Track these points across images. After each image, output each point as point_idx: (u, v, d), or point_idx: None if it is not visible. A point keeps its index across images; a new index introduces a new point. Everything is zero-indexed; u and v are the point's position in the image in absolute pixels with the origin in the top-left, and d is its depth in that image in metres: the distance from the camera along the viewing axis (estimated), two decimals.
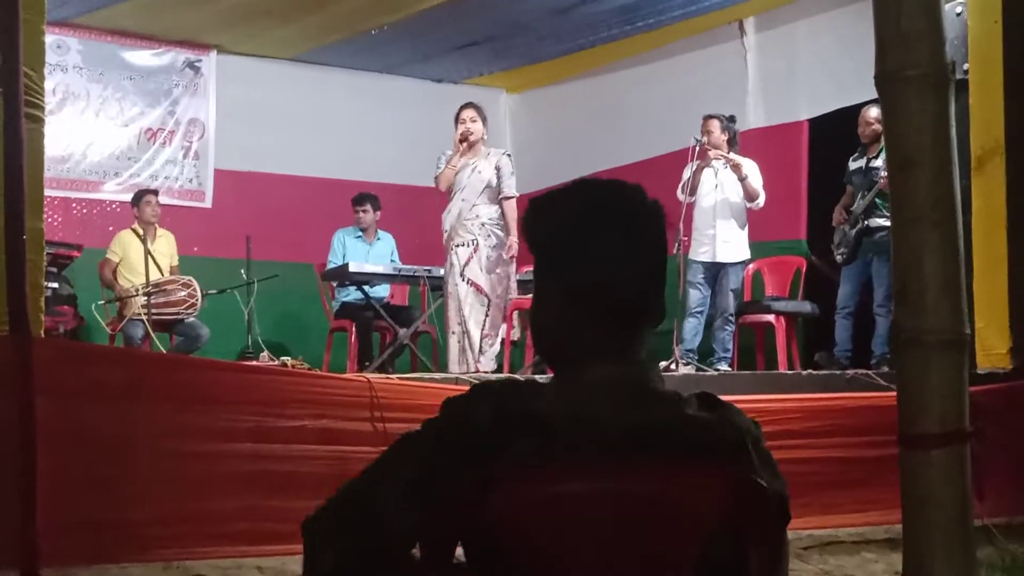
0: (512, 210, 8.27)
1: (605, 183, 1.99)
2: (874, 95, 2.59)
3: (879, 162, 8.57)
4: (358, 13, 10.04)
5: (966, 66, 7.07)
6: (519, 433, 1.80)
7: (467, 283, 8.12)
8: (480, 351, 8.05)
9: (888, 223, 8.18)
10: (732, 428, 1.92)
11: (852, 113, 8.83)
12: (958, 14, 7.35)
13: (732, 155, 8.95)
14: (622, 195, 1.96)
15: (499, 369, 8.36)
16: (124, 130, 11.08)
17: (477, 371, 7.67)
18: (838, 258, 8.89)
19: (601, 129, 12.02)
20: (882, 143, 8.45)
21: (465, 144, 8.25)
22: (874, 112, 8.54)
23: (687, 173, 8.97)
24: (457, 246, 8.17)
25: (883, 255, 8.40)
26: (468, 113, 8.37)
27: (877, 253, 8.52)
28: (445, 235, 8.30)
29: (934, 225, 2.35)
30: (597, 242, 1.90)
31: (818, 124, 10.14)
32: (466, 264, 8.13)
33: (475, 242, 8.15)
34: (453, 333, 8.15)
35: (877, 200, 8.52)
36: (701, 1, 9.82)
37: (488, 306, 8.17)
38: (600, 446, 1.80)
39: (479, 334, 8.08)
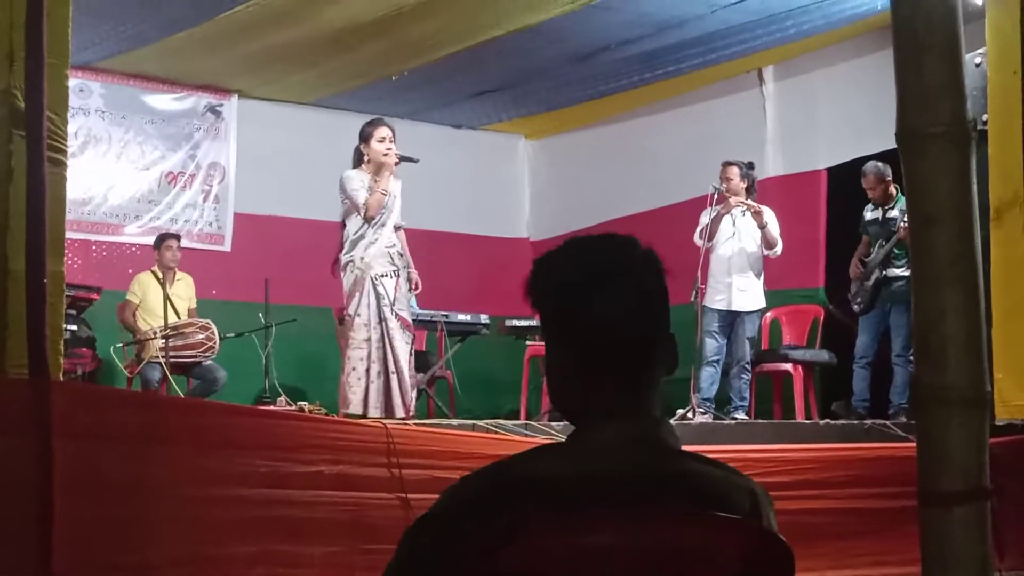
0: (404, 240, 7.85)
1: (596, 240, 1.99)
2: (892, 145, 2.59)
3: (895, 212, 8.60)
4: (378, 59, 10.09)
5: (985, 117, 7.07)
6: (519, 498, 1.80)
7: (395, 318, 7.58)
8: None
9: (906, 273, 8.22)
10: (744, 489, 1.93)
11: (883, 162, 8.82)
12: (977, 65, 7.36)
13: (752, 202, 8.96)
14: (613, 250, 1.97)
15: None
16: (145, 173, 11.15)
17: (410, 415, 7.39)
18: (855, 308, 8.89)
19: (620, 176, 12.06)
20: (896, 195, 8.51)
21: (388, 169, 7.65)
22: (874, 174, 8.63)
23: (705, 219, 8.98)
24: (381, 276, 7.55)
25: (901, 305, 8.41)
26: (387, 132, 7.71)
27: (895, 303, 8.52)
28: (357, 266, 7.56)
29: (955, 282, 2.34)
30: (591, 302, 1.90)
31: (837, 173, 10.15)
32: (395, 298, 7.61)
33: (397, 273, 7.65)
34: (376, 374, 7.46)
35: (895, 250, 8.53)
36: (721, 50, 9.85)
37: (412, 343, 7.78)
38: (608, 504, 1.80)
39: (409, 373, 7.60)
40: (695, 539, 1.80)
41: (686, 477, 1.88)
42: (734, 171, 9.07)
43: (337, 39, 9.44)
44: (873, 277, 8.70)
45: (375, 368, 7.45)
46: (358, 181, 7.63)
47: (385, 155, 7.62)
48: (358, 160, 7.76)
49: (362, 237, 7.60)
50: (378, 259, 7.60)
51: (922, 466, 2.49)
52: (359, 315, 7.49)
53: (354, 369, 7.44)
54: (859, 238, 9.08)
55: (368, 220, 7.58)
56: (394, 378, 7.47)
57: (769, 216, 8.97)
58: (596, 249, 1.98)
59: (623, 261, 1.95)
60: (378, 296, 7.52)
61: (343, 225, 7.74)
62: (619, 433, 1.89)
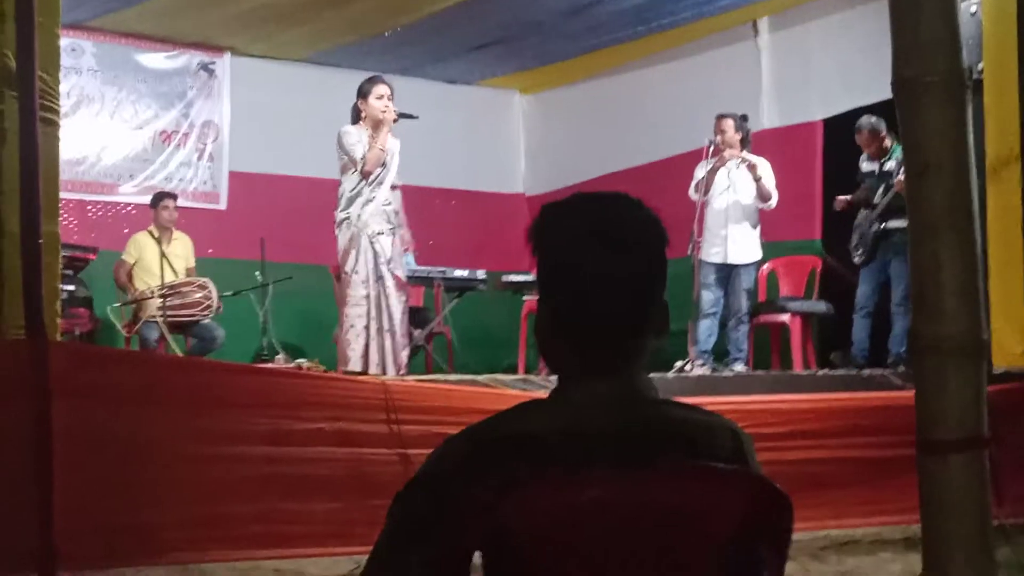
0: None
1: (602, 200, 1.96)
2: (889, 95, 2.58)
3: (892, 164, 8.59)
4: (372, 15, 10.04)
5: (980, 66, 7.04)
6: (506, 455, 1.81)
7: (391, 276, 7.55)
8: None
9: (905, 224, 8.21)
10: (725, 429, 1.93)
11: (867, 113, 8.82)
12: (972, 14, 7.32)
13: (747, 155, 8.94)
14: (617, 213, 1.93)
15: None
16: (139, 132, 11.11)
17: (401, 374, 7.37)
18: (856, 259, 8.90)
19: (615, 130, 12.01)
20: (891, 147, 8.50)
21: (387, 126, 7.56)
22: (867, 128, 8.64)
23: (700, 172, 8.95)
24: (378, 234, 7.48)
25: (900, 255, 8.42)
26: (385, 89, 7.63)
27: (896, 254, 8.52)
28: (354, 223, 7.49)
29: (951, 231, 2.34)
30: (586, 266, 1.88)
31: (833, 124, 10.12)
32: (391, 256, 7.57)
33: (393, 231, 7.61)
34: (376, 331, 7.42)
35: (893, 203, 8.54)
36: (715, 1, 9.80)
37: (406, 301, 7.73)
38: (593, 459, 1.80)
39: (401, 332, 7.58)
40: (692, 491, 1.80)
41: (667, 425, 1.88)
42: (728, 123, 9.04)
43: None
44: (873, 229, 8.70)
45: (374, 325, 7.42)
46: (355, 136, 7.57)
47: (383, 112, 7.55)
48: (356, 117, 7.69)
49: (359, 194, 7.53)
50: (375, 217, 7.53)
51: (920, 415, 2.51)
52: (356, 272, 7.42)
53: (352, 326, 7.40)
54: (855, 189, 9.07)
55: (365, 176, 7.52)
56: (388, 336, 7.44)
57: (764, 168, 8.95)
58: (598, 210, 1.94)
59: (623, 225, 1.91)
60: (375, 254, 7.47)
61: (340, 182, 7.69)
62: (599, 389, 1.88)
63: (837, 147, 9.83)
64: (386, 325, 7.45)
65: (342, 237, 7.53)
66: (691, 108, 10.61)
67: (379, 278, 7.46)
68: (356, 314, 7.41)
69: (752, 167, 8.83)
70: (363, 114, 7.63)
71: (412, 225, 8.97)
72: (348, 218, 7.50)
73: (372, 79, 7.74)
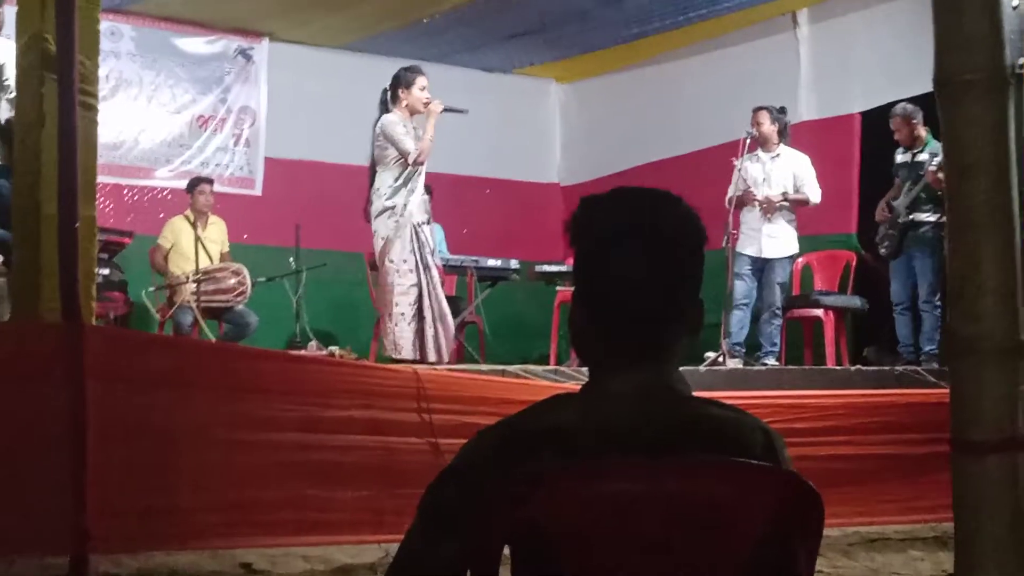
0: None
1: (641, 195, 1.96)
2: (929, 88, 2.55)
3: (924, 156, 8.53)
4: (409, 2, 10.06)
5: (1022, 60, 7.00)
6: (538, 448, 1.82)
7: (435, 266, 7.76)
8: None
9: (932, 218, 8.14)
10: (756, 428, 1.93)
11: (914, 104, 8.75)
12: (1015, 7, 7.27)
13: (772, 197, 8.89)
14: (656, 210, 1.93)
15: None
16: (176, 117, 11.16)
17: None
18: (882, 251, 8.85)
19: (652, 120, 11.98)
20: (925, 137, 8.43)
21: (433, 116, 7.70)
22: (902, 117, 8.59)
23: (732, 189, 8.93)
24: (422, 224, 7.66)
25: (926, 249, 8.39)
26: (425, 80, 7.78)
27: (920, 248, 8.47)
28: (400, 213, 7.58)
29: (991, 231, 2.32)
30: (622, 262, 1.89)
31: (871, 117, 10.05)
32: (433, 246, 7.78)
33: (429, 221, 7.80)
34: (431, 320, 7.55)
35: (922, 194, 8.48)
36: None
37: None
38: (623, 453, 1.81)
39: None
40: (721, 486, 1.81)
41: (698, 421, 1.89)
42: (764, 116, 9.01)
43: None
44: (900, 221, 8.64)
45: (429, 314, 7.51)
46: (402, 127, 7.63)
47: (427, 103, 7.65)
48: (386, 104, 7.74)
49: (404, 184, 7.61)
50: (418, 207, 7.65)
51: (955, 415, 2.49)
52: (405, 261, 7.51)
53: (403, 315, 7.47)
54: (892, 183, 9.02)
55: (416, 166, 7.59)
56: (440, 324, 7.55)
57: (806, 166, 8.96)
58: (637, 205, 1.94)
59: (660, 222, 1.91)
60: (421, 244, 7.57)
61: (373, 170, 7.71)
62: (630, 383, 1.89)
63: (875, 140, 9.76)
64: (437, 313, 7.54)
65: (383, 226, 7.57)
66: (729, 99, 10.57)
67: (427, 267, 7.57)
68: (407, 302, 7.49)
69: (774, 207, 8.85)
70: (403, 103, 7.68)
71: (444, 213, 8.97)
72: (394, 207, 7.56)
73: (413, 69, 7.81)
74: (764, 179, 8.95)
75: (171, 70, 11.10)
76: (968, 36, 2.38)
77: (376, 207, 7.61)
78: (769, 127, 8.98)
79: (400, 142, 7.56)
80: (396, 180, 7.59)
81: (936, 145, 8.33)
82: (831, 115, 10.52)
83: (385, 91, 7.82)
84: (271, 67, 11.56)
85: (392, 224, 7.54)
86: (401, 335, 7.45)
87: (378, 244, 7.61)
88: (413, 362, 7.12)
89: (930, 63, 2.54)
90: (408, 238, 7.54)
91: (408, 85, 7.70)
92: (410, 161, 7.56)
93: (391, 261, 7.53)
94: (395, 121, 7.63)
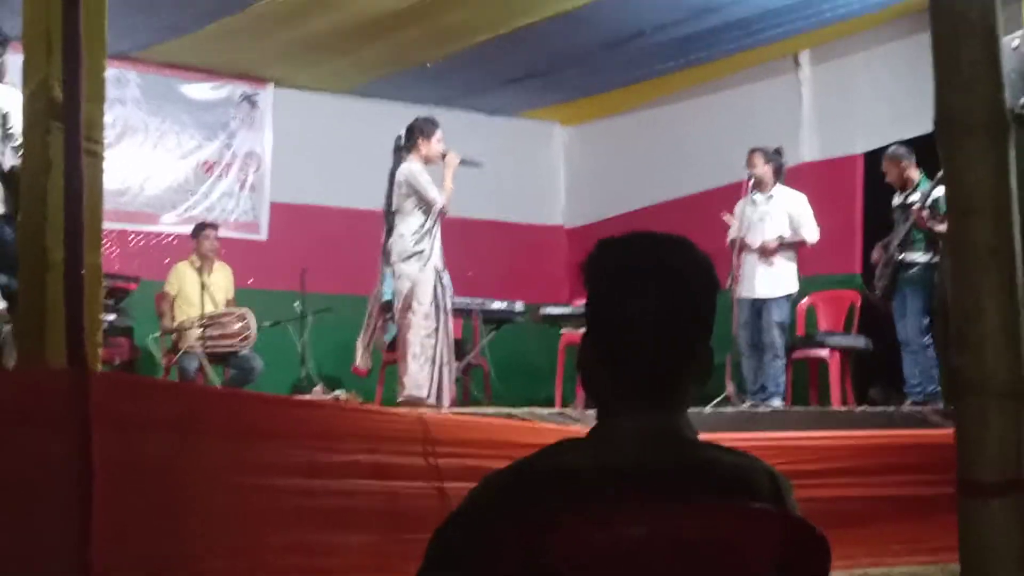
0: None
1: (656, 239, 1.97)
2: (929, 129, 2.57)
3: (915, 196, 8.54)
4: (413, 46, 10.10)
5: (1023, 101, 7.01)
6: (546, 492, 1.82)
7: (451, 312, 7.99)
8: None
9: (922, 259, 8.18)
10: (763, 472, 1.93)
11: (908, 146, 8.78)
12: (1015, 48, 7.29)
13: (778, 242, 8.92)
14: (670, 254, 1.94)
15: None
16: (182, 163, 11.20)
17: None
18: (877, 291, 8.86)
19: (656, 162, 12.02)
20: (915, 179, 8.46)
21: (451, 167, 7.98)
22: (890, 159, 8.65)
23: (733, 231, 8.94)
24: (443, 270, 7.90)
25: (917, 288, 8.42)
26: (441, 132, 8.05)
27: (912, 287, 8.49)
28: (428, 257, 7.80)
29: (994, 272, 2.32)
30: (634, 304, 1.89)
31: (873, 158, 10.07)
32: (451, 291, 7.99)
33: (445, 268, 7.99)
34: (444, 363, 7.76)
35: (917, 235, 8.50)
36: (757, 34, 9.80)
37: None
38: (631, 496, 1.81)
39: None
40: (729, 529, 1.80)
41: (705, 466, 1.88)
42: (758, 157, 9.03)
43: (372, 26, 9.45)
44: (893, 261, 8.66)
45: (442, 358, 7.67)
46: (427, 176, 7.84)
47: (443, 154, 7.88)
48: (400, 152, 7.95)
49: (429, 232, 7.78)
50: (439, 253, 7.84)
51: (961, 457, 2.49)
52: (421, 304, 7.67)
53: (425, 357, 7.63)
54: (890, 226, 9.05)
55: (440, 215, 7.80)
56: (446, 368, 7.71)
57: (802, 205, 8.98)
58: (651, 250, 1.95)
59: (672, 268, 1.92)
60: (443, 288, 7.78)
61: (392, 215, 7.88)
62: (637, 427, 1.89)
63: (878, 181, 9.78)
64: (447, 358, 7.73)
65: (409, 270, 7.73)
66: (732, 141, 10.59)
67: (446, 311, 7.76)
68: (428, 344, 7.66)
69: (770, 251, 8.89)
70: (421, 152, 7.88)
71: (448, 256, 9.05)
72: (422, 252, 7.74)
73: (431, 120, 8.04)
74: (760, 220, 8.95)
75: (176, 116, 11.15)
76: (968, 77, 2.40)
77: (401, 251, 7.79)
78: (763, 168, 9.00)
79: (427, 192, 7.76)
80: (421, 227, 7.78)
81: (927, 185, 8.39)
82: (833, 156, 10.56)
83: (399, 138, 8.00)
84: (276, 112, 11.61)
85: (418, 268, 7.72)
86: (420, 374, 7.59)
87: (403, 287, 7.74)
88: (415, 404, 7.19)
89: (931, 104, 2.55)
90: (433, 283, 7.72)
91: (428, 136, 7.91)
92: (436, 211, 7.77)
93: (419, 304, 7.69)
94: (422, 170, 7.85)
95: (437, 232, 7.84)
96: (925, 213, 8.32)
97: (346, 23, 9.39)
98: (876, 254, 8.92)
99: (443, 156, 7.91)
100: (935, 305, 8.28)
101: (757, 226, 8.96)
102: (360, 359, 8.31)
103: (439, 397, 7.62)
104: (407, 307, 7.72)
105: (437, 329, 7.69)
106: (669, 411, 1.92)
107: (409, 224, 7.79)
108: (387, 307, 8.12)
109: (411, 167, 7.83)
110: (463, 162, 8.02)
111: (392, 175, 7.93)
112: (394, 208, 7.86)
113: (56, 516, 4.01)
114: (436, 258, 7.79)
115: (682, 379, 1.93)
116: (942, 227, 8.42)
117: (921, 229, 8.37)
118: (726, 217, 8.97)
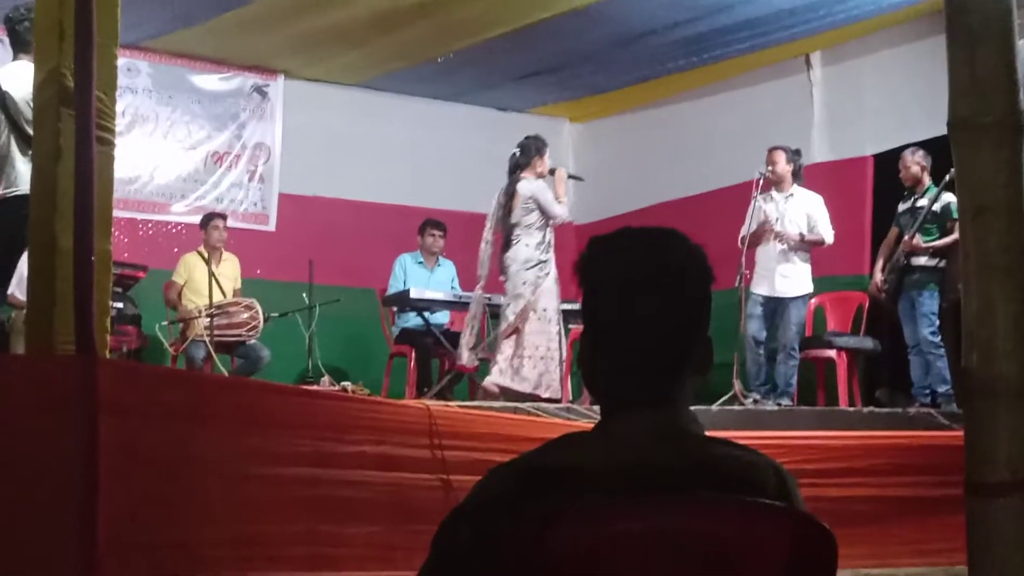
0: None
1: (648, 235, 1.97)
2: (941, 131, 2.57)
3: (924, 201, 8.53)
4: (424, 41, 10.10)
5: None
6: (550, 487, 1.82)
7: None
8: None
9: (928, 263, 8.22)
10: (769, 468, 1.93)
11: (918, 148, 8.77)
12: None
13: (787, 231, 8.90)
14: (663, 248, 1.95)
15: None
16: (191, 153, 11.20)
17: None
18: (882, 295, 8.85)
19: (665, 160, 12.01)
20: (926, 184, 8.44)
21: (561, 183, 8.69)
22: (911, 156, 8.60)
23: (746, 228, 8.93)
24: (557, 279, 8.51)
25: (920, 293, 8.42)
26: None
27: (918, 290, 8.49)
28: (550, 265, 8.49)
29: (1005, 273, 2.32)
30: (630, 300, 1.90)
31: (883, 160, 10.07)
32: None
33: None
34: (561, 362, 8.39)
35: (921, 237, 8.51)
36: (768, 34, 9.79)
37: None
38: (634, 492, 1.81)
39: None
40: (736, 525, 1.80)
41: (711, 461, 1.89)
42: (780, 155, 9.02)
43: (383, 20, 9.45)
44: (900, 263, 8.65)
45: (562, 355, 8.36)
46: (551, 192, 8.49)
47: (553, 170, 8.63)
48: (517, 170, 8.56)
49: (550, 243, 8.47)
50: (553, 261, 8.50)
51: (969, 457, 2.49)
52: (546, 309, 8.35)
53: (552, 359, 8.29)
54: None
55: (553, 228, 8.51)
56: (563, 367, 8.36)
57: (819, 207, 8.97)
58: (644, 246, 1.96)
59: (667, 262, 1.92)
60: (557, 296, 8.44)
61: (512, 226, 8.45)
62: (642, 423, 1.90)
63: (887, 182, 9.78)
64: (563, 356, 8.41)
65: (533, 277, 8.39)
66: (742, 140, 10.60)
67: (563, 316, 8.50)
68: (556, 346, 8.35)
69: (787, 239, 8.94)
70: (536, 168, 8.54)
71: (458, 251, 9.11)
72: (546, 261, 8.43)
73: (543, 139, 8.75)
74: (778, 219, 8.94)
75: (187, 106, 11.15)
76: (981, 80, 2.39)
77: (526, 260, 8.41)
78: (784, 167, 9.00)
79: (552, 207, 8.41)
80: (544, 238, 8.46)
81: (934, 191, 8.40)
82: (844, 157, 10.54)
83: (514, 155, 8.63)
84: (286, 104, 11.61)
85: (543, 276, 8.39)
86: (550, 374, 8.25)
87: (527, 292, 8.34)
88: (555, 401, 7.84)
89: (942, 107, 2.55)
90: (557, 291, 8.42)
91: (542, 154, 8.59)
92: (558, 223, 8.53)
93: (544, 309, 8.36)
94: (545, 188, 8.49)
95: (553, 241, 8.49)
96: (917, 240, 8.43)
97: (358, 16, 9.39)
98: (878, 263, 8.97)
99: (552, 171, 8.60)
100: (946, 308, 8.28)
101: (775, 225, 8.95)
102: (466, 359, 8.83)
103: (560, 391, 8.24)
104: (527, 312, 8.34)
105: (560, 332, 8.38)
106: (672, 405, 1.92)
107: (533, 236, 8.41)
108: (494, 310, 8.91)
109: (536, 184, 8.47)
110: (570, 177, 8.89)
111: (510, 191, 8.50)
112: (514, 221, 8.45)
113: (62, 503, 4.01)
114: (554, 266, 8.44)
115: (683, 372, 1.93)
116: (923, 259, 8.49)
117: (933, 232, 8.43)
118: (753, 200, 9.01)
